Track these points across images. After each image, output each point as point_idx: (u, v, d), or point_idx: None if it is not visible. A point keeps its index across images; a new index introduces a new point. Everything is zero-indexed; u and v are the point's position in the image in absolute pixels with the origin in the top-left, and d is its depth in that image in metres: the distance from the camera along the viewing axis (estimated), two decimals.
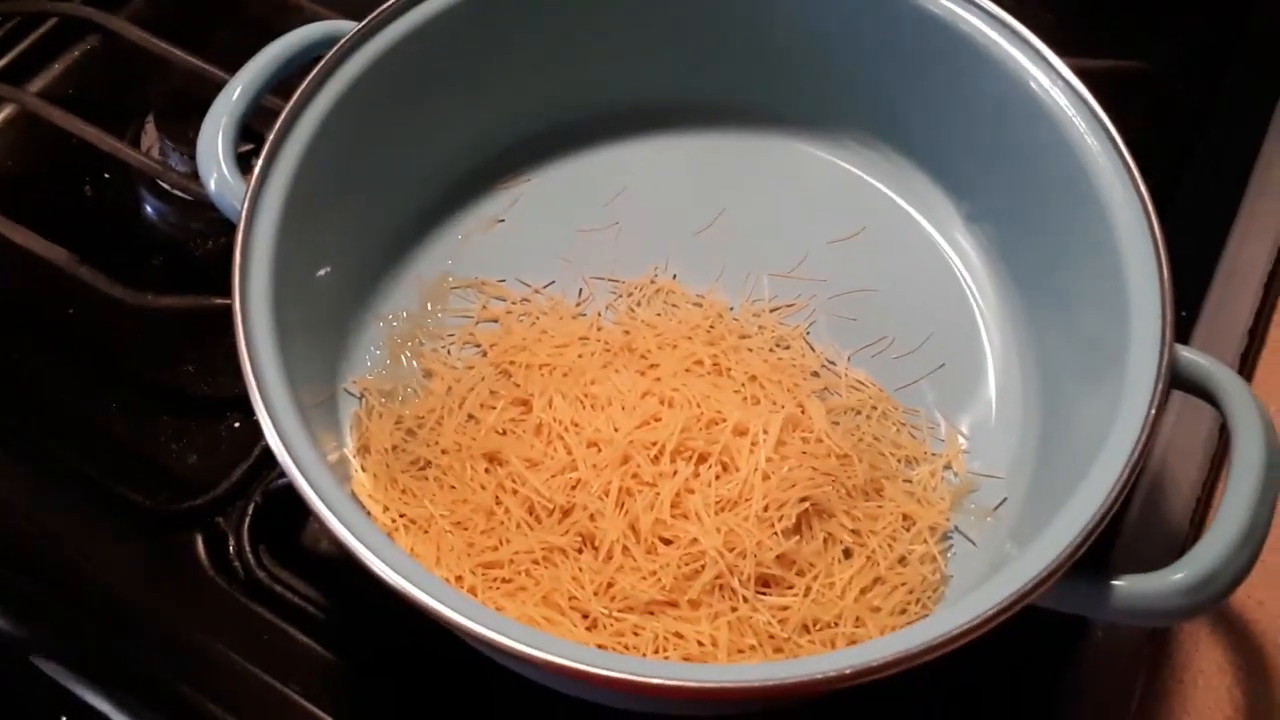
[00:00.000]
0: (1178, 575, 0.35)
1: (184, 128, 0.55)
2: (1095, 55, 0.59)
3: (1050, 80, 0.44)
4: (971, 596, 0.34)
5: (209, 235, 0.56)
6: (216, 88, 0.46)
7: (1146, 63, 0.61)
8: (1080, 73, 0.45)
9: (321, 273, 0.45)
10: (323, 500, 0.35)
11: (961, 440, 0.46)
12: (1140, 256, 0.40)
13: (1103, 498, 0.35)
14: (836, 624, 0.40)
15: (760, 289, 0.50)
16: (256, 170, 0.41)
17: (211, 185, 0.43)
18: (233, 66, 0.46)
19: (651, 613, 0.40)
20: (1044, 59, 0.44)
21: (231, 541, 0.47)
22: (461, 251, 0.51)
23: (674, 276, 0.50)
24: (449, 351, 0.48)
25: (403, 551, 0.36)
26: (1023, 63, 0.44)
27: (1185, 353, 0.39)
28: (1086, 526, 0.34)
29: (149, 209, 0.57)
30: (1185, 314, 0.52)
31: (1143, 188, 0.41)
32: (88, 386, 0.52)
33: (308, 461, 0.36)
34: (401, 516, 0.43)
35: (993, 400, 0.47)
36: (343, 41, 0.44)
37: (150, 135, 0.57)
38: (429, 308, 0.49)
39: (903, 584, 0.42)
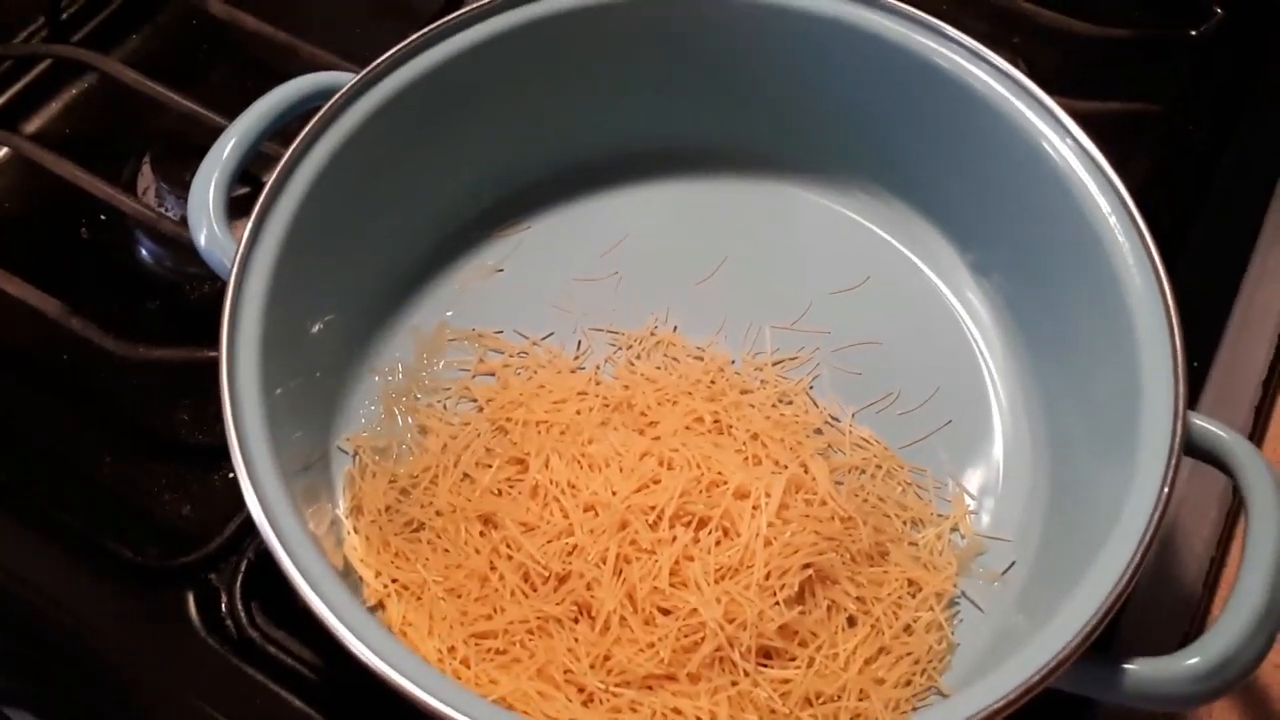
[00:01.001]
0: (1192, 660, 0.34)
1: (180, 170, 0.55)
2: (1105, 97, 0.58)
3: (1059, 137, 0.43)
4: (982, 684, 0.33)
5: (205, 279, 0.55)
6: (211, 131, 0.45)
7: (1158, 104, 0.60)
8: (1090, 115, 0.44)
9: (315, 328, 0.45)
10: (304, 578, 0.35)
11: (969, 501, 0.45)
12: (1152, 325, 0.39)
13: (1116, 578, 0.34)
14: (840, 697, 0.39)
15: (762, 341, 0.49)
16: (247, 230, 0.41)
17: (201, 241, 0.43)
18: (228, 108, 0.45)
19: (649, 687, 0.39)
20: (1053, 115, 0.43)
21: (224, 599, 0.46)
22: (459, 301, 0.50)
23: (674, 328, 0.49)
24: (445, 406, 0.47)
25: (384, 631, 0.35)
26: (1031, 119, 0.44)
27: (1199, 421, 0.38)
28: (1100, 610, 0.34)
29: (144, 252, 0.56)
30: (1197, 364, 0.50)
31: (1155, 254, 0.40)
32: (79, 434, 0.51)
33: (290, 534, 0.36)
34: (394, 582, 0.42)
35: (1000, 460, 0.46)
36: (337, 96, 0.43)
37: (147, 176, 0.57)
38: (425, 360, 0.48)
39: (908, 654, 0.41)
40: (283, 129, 0.45)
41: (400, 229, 0.49)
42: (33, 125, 0.60)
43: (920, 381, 0.48)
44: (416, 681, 0.33)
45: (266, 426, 0.38)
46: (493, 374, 0.48)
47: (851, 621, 0.41)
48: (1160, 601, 0.46)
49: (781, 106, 0.51)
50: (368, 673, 0.34)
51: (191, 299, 0.55)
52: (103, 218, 0.57)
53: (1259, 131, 0.60)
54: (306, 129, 0.43)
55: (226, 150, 0.44)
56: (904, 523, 0.44)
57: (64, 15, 0.61)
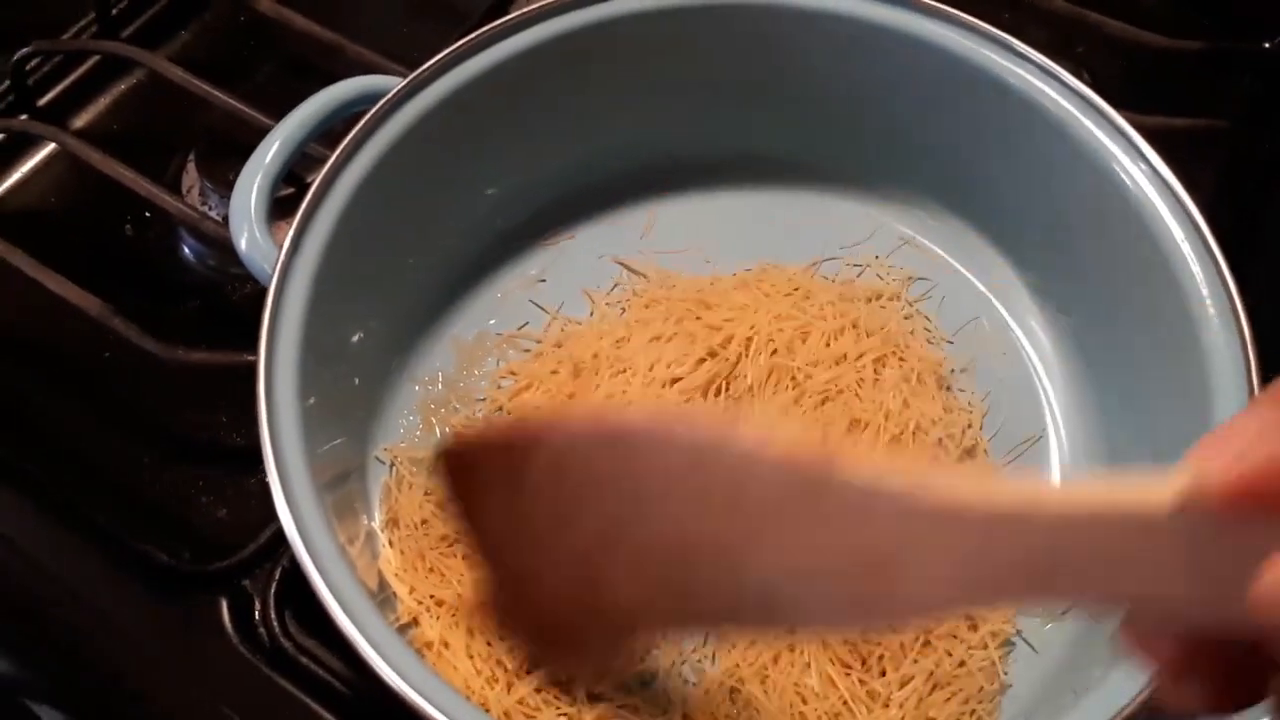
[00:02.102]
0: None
1: (224, 169, 0.54)
2: (1172, 112, 0.56)
3: (1132, 160, 0.41)
4: None
5: (247, 279, 0.54)
6: (256, 131, 0.45)
7: (1227, 119, 0.58)
8: (1156, 130, 0.43)
9: (355, 337, 0.44)
10: (334, 597, 0.34)
11: None
12: (1226, 365, 0.37)
13: None
14: None
15: None
16: (289, 237, 0.40)
17: (242, 245, 0.42)
18: (273, 107, 0.45)
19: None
20: (1125, 136, 0.41)
21: (257, 606, 0.46)
22: (501, 310, 0.49)
23: None
24: (481, 417, 0.46)
25: (413, 655, 0.34)
26: (1102, 139, 0.42)
27: None
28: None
29: (187, 251, 0.56)
30: None
31: (1231, 284, 0.38)
32: (115, 435, 0.51)
33: (322, 552, 0.35)
34: (430, 598, 0.41)
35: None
36: (383, 101, 0.42)
37: (191, 175, 0.57)
38: (465, 370, 0.48)
39: (959, 692, 0.39)
40: (327, 131, 0.45)
41: (443, 236, 0.48)
42: (80, 121, 0.60)
43: (976, 410, 0.46)
44: (445, 711, 0.32)
45: (302, 437, 0.37)
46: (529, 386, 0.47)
47: (904, 649, 0.40)
48: None
49: (840, 119, 0.49)
50: (395, 698, 0.33)
51: (233, 300, 0.54)
52: (147, 215, 0.56)
53: None
54: (351, 134, 0.42)
55: (270, 154, 0.43)
56: None
57: (113, 11, 0.61)
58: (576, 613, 0.32)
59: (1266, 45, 0.61)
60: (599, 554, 0.30)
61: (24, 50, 0.57)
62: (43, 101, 0.59)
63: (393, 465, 0.45)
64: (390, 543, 0.43)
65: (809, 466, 0.25)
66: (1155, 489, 0.21)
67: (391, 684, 0.33)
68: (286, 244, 0.40)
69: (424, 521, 0.43)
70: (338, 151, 0.41)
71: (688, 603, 0.29)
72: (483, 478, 0.32)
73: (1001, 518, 0.23)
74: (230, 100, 0.54)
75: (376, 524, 0.43)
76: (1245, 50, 0.61)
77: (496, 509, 0.32)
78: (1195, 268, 0.39)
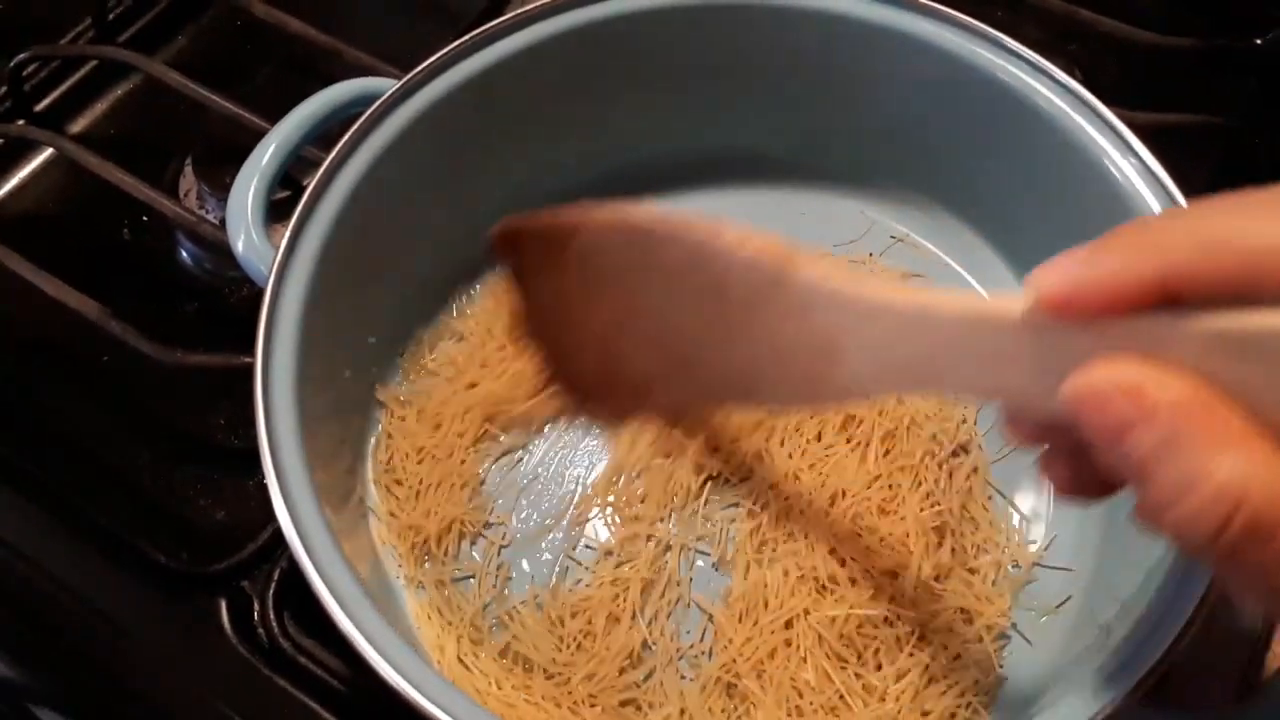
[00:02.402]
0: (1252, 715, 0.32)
1: (221, 173, 0.55)
2: (1166, 109, 0.56)
3: (1122, 155, 0.41)
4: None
5: (244, 282, 0.54)
6: (253, 134, 0.45)
7: (1221, 116, 0.58)
8: (1150, 127, 0.43)
9: (352, 338, 0.44)
10: (334, 597, 0.34)
11: (1027, 527, 0.43)
12: None
13: (1177, 625, 0.33)
14: None
15: None
16: (285, 238, 0.40)
17: (239, 247, 0.42)
18: (270, 110, 0.45)
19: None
20: (1116, 132, 0.41)
21: (256, 607, 0.46)
22: (504, 310, 0.49)
23: None
24: None
25: (416, 656, 0.34)
26: (1093, 135, 0.42)
27: None
28: (1158, 657, 0.32)
29: (184, 254, 0.56)
30: None
31: None
32: (115, 436, 0.51)
33: (320, 551, 0.36)
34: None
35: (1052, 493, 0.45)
36: (378, 103, 0.42)
37: (189, 179, 0.57)
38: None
39: (955, 685, 0.39)
40: (324, 134, 0.45)
41: (444, 235, 0.48)
42: (77, 126, 0.60)
43: (970, 406, 0.46)
44: (445, 708, 0.32)
45: (299, 437, 0.37)
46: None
47: (900, 643, 0.40)
48: (1213, 651, 0.44)
49: (834, 117, 0.49)
50: (395, 696, 0.33)
51: (230, 303, 0.54)
52: (144, 219, 0.57)
53: None
54: (346, 136, 0.42)
55: (266, 156, 0.43)
56: (970, 547, 0.43)
57: (110, 16, 0.61)
58: (605, 377, 0.36)
59: (1259, 42, 0.61)
60: (619, 331, 0.35)
61: (21, 55, 0.58)
62: (40, 107, 0.60)
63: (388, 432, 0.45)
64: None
65: (774, 265, 0.30)
66: (1014, 301, 0.26)
67: (391, 682, 0.33)
68: (282, 245, 0.40)
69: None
70: (333, 153, 0.41)
71: (687, 375, 0.34)
72: (529, 259, 0.37)
73: (907, 318, 0.28)
74: (227, 104, 0.55)
75: (373, 516, 0.43)
76: (1238, 47, 0.61)
77: (541, 287, 0.37)
78: None
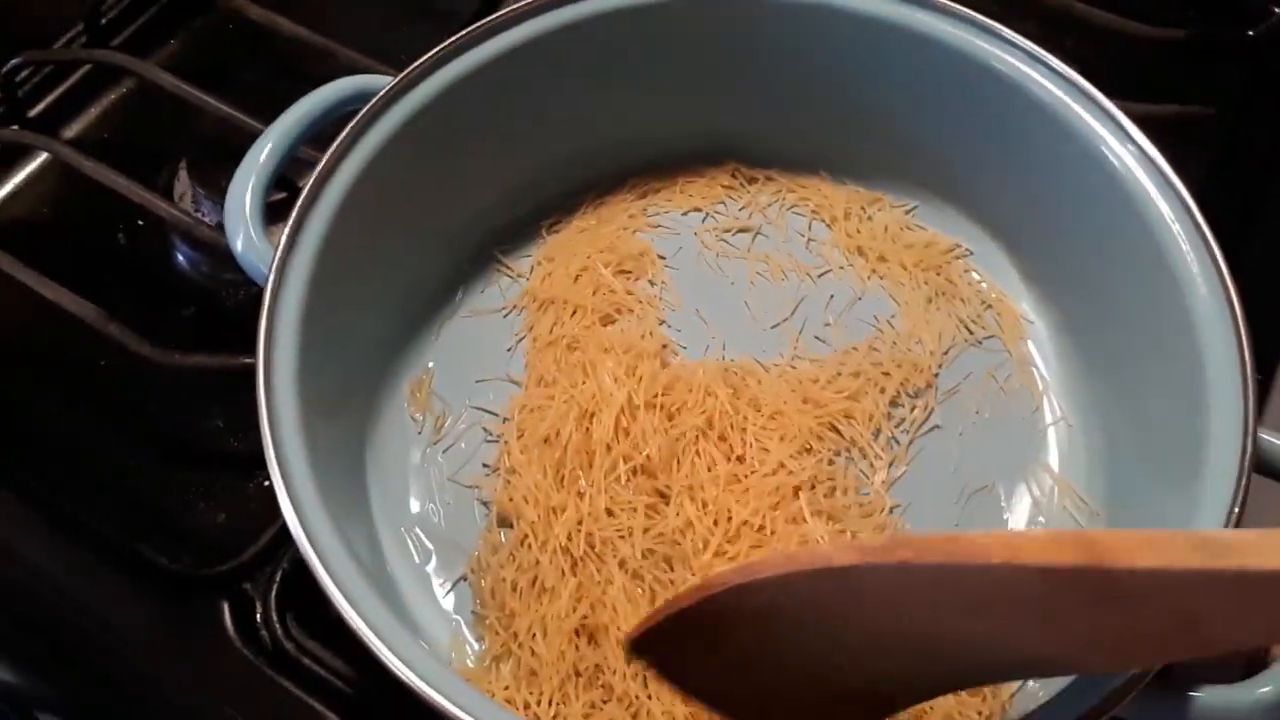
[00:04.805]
0: (1264, 690, 0.32)
1: (217, 175, 0.54)
2: (1160, 99, 0.57)
3: (1120, 141, 0.41)
4: (1039, 711, 0.32)
5: (241, 285, 0.55)
6: (248, 135, 0.45)
7: (1214, 107, 0.58)
8: (1145, 118, 0.43)
9: (352, 334, 0.44)
10: (342, 593, 0.34)
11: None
12: (1218, 336, 0.37)
13: None
14: None
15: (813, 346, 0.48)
16: (284, 236, 0.40)
17: (238, 246, 0.42)
18: (265, 112, 0.45)
19: None
20: (1113, 118, 0.42)
21: (259, 609, 0.46)
22: (498, 308, 0.49)
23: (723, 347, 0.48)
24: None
25: (424, 650, 0.34)
26: (1090, 122, 0.42)
27: (1268, 436, 0.36)
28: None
29: (181, 258, 0.56)
30: (1260, 378, 0.49)
31: (1221, 261, 0.38)
32: (114, 440, 0.51)
33: (326, 546, 0.36)
34: None
35: (1055, 475, 0.45)
36: (375, 100, 0.42)
37: (184, 182, 0.56)
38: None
39: None
40: (319, 133, 0.45)
41: (443, 230, 0.48)
42: (72, 130, 0.60)
43: (971, 395, 0.46)
44: (458, 702, 0.32)
45: (303, 435, 0.37)
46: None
47: None
48: None
49: (833, 110, 0.49)
50: (407, 691, 0.33)
51: (227, 305, 0.54)
52: (140, 223, 0.56)
53: None
54: (343, 133, 0.42)
55: (263, 155, 0.43)
56: None
57: (103, 21, 0.61)
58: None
59: (1251, 33, 0.62)
60: (821, 675, 0.30)
61: (14, 60, 0.58)
62: (34, 112, 0.59)
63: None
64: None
65: (1074, 570, 0.25)
66: None
67: (403, 678, 0.33)
68: (282, 242, 0.40)
69: None
70: (331, 150, 0.41)
71: (926, 678, 0.30)
72: (680, 646, 0.30)
73: None
74: (221, 106, 0.55)
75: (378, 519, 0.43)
76: (1231, 38, 0.62)
77: (704, 664, 0.31)
78: (1185, 246, 0.39)
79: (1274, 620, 0.25)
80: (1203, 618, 0.25)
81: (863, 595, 0.27)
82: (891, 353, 0.47)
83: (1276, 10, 0.62)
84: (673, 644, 0.30)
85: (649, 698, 0.38)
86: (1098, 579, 0.25)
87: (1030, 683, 0.39)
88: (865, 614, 0.27)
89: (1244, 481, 0.35)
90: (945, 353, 0.47)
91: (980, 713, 0.38)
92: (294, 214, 0.40)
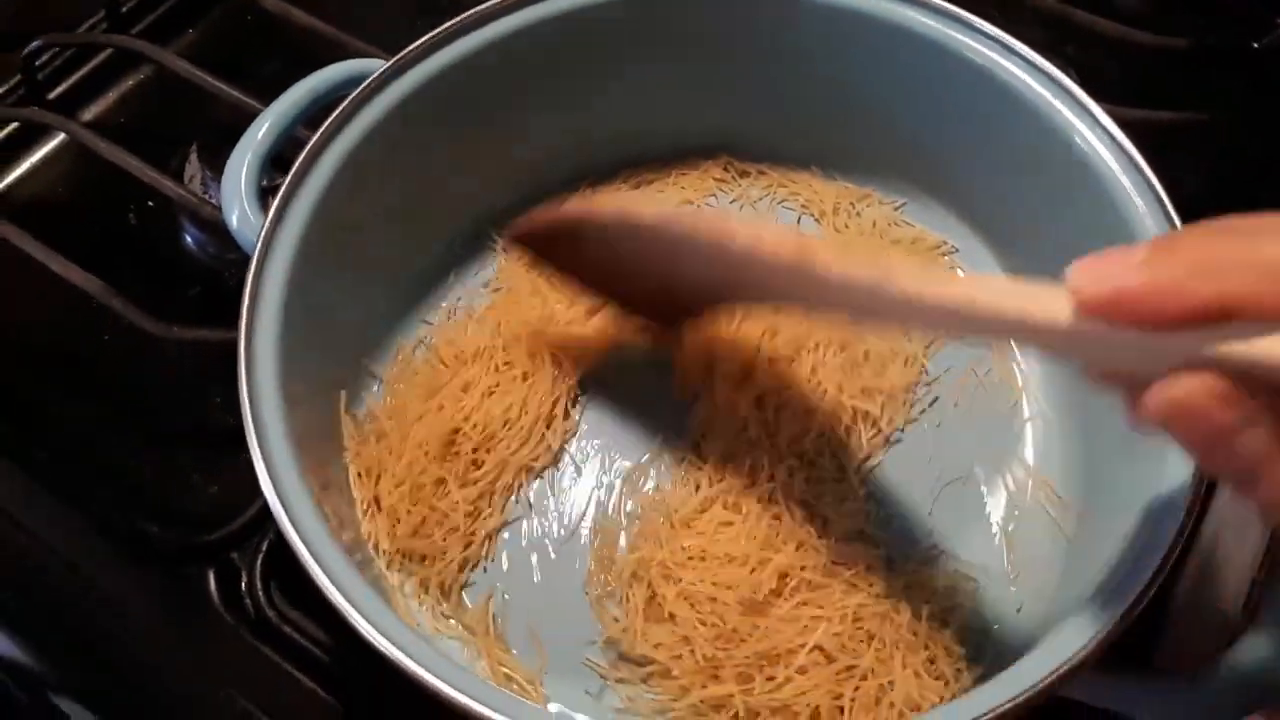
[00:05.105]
0: (1226, 672, 0.32)
1: (225, 159, 0.55)
2: (1156, 107, 0.57)
3: (1091, 130, 0.42)
4: (1006, 674, 0.32)
5: (245, 265, 0.55)
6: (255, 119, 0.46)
7: (1214, 114, 0.58)
8: (1141, 124, 0.43)
9: (337, 308, 0.45)
10: (320, 566, 0.36)
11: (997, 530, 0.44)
12: None
13: (1150, 569, 0.33)
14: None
15: None
16: (273, 207, 0.41)
17: (234, 221, 0.43)
18: (273, 97, 0.46)
19: None
20: (1085, 108, 0.42)
21: (244, 578, 0.47)
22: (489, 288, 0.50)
23: None
24: None
25: (402, 623, 0.35)
26: (1063, 111, 0.42)
27: None
28: (1119, 611, 0.32)
29: (188, 238, 0.57)
30: None
31: None
32: (115, 415, 0.52)
33: (302, 517, 0.37)
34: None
35: (1029, 476, 0.45)
36: (368, 81, 0.44)
37: (194, 165, 0.58)
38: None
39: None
40: (318, 116, 0.46)
41: (433, 212, 0.49)
42: (89, 113, 0.61)
43: (951, 388, 0.47)
44: (436, 672, 0.33)
45: (282, 407, 0.38)
46: None
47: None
48: (1200, 625, 0.44)
49: (822, 106, 0.50)
50: (386, 662, 0.34)
51: (231, 285, 0.55)
52: (150, 204, 0.58)
53: None
54: (334, 114, 0.43)
55: (260, 133, 0.44)
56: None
57: (123, 9, 0.63)
58: (650, 298, 0.42)
59: (1256, 45, 0.61)
60: (651, 277, 0.40)
61: (34, 44, 0.59)
62: (54, 94, 0.61)
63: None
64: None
65: (793, 260, 0.33)
66: (1055, 300, 0.28)
67: (376, 644, 0.34)
68: (270, 213, 0.41)
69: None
70: (321, 130, 0.42)
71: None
72: (543, 247, 0.42)
73: (945, 311, 0.30)
74: (233, 92, 0.56)
75: (354, 486, 0.44)
76: (1234, 49, 0.61)
77: (563, 258, 0.42)
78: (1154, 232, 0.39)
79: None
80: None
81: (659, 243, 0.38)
82: (878, 345, 0.47)
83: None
84: (544, 242, 0.42)
85: None
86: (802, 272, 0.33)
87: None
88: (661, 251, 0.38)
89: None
90: (928, 345, 0.47)
91: (941, 696, 0.39)
92: (283, 189, 0.41)
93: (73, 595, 0.47)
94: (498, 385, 0.46)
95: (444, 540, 0.43)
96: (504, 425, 0.45)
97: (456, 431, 0.44)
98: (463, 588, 0.43)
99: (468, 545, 0.43)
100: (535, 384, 0.45)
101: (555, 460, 0.46)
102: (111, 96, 0.62)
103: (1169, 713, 0.34)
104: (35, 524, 0.48)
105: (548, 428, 0.45)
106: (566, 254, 0.42)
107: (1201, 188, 0.55)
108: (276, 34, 0.62)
